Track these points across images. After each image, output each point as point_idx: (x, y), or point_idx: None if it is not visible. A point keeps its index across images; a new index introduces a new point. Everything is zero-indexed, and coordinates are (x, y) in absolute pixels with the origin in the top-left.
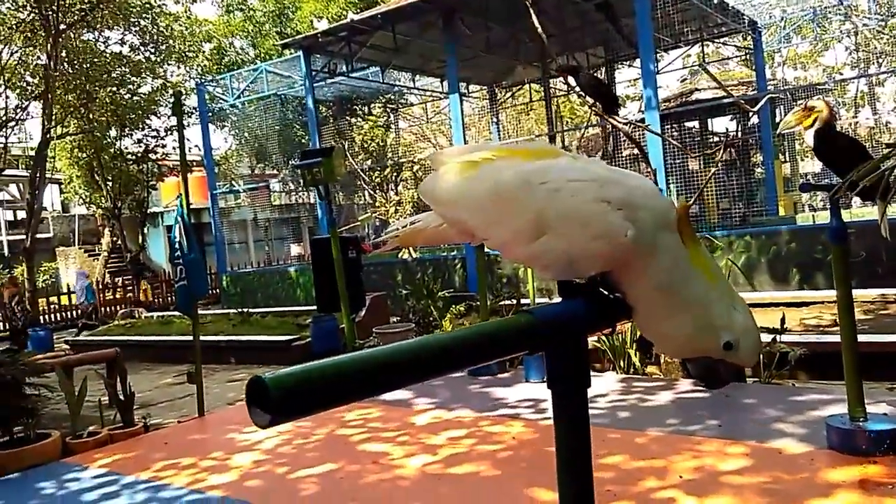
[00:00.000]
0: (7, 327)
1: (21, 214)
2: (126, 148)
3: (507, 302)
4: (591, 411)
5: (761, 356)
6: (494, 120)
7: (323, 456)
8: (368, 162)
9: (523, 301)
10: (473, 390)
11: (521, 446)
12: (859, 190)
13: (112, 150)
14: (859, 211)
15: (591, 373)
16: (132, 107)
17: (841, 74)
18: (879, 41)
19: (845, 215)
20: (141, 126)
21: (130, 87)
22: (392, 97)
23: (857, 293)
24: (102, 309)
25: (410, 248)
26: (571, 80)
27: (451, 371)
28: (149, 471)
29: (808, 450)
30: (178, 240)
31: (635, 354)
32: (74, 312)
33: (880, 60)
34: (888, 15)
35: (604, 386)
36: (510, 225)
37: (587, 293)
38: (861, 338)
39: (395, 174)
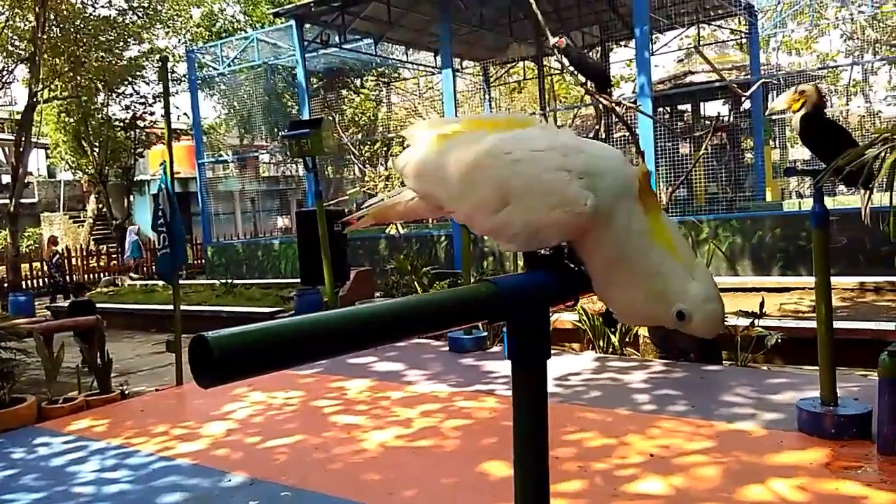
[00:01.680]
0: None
1: (6, 178)
2: (114, 114)
3: None
4: (565, 389)
5: (738, 339)
6: (487, 97)
7: (296, 426)
8: (359, 136)
9: None
10: (452, 366)
11: (492, 421)
12: (843, 176)
13: (99, 116)
14: (845, 199)
15: (571, 353)
16: (119, 71)
17: (835, 61)
18: (874, 29)
19: (831, 202)
20: (127, 90)
21: (118, 51)
22: (385, 70)
23: (838, 280)
24: (85, 276)
25: (398, 224)
26: (564, 58)
27: (406, 338)
28: (120, 437)
29: (777, 432)
30: (161, 206)
31: (614, 334)
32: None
33: (876, 49)
34: (884, 1)
35: (580, 364)
36: (475, 197)
37: (551, 264)
38: (837, 324)
39: (385, 149)
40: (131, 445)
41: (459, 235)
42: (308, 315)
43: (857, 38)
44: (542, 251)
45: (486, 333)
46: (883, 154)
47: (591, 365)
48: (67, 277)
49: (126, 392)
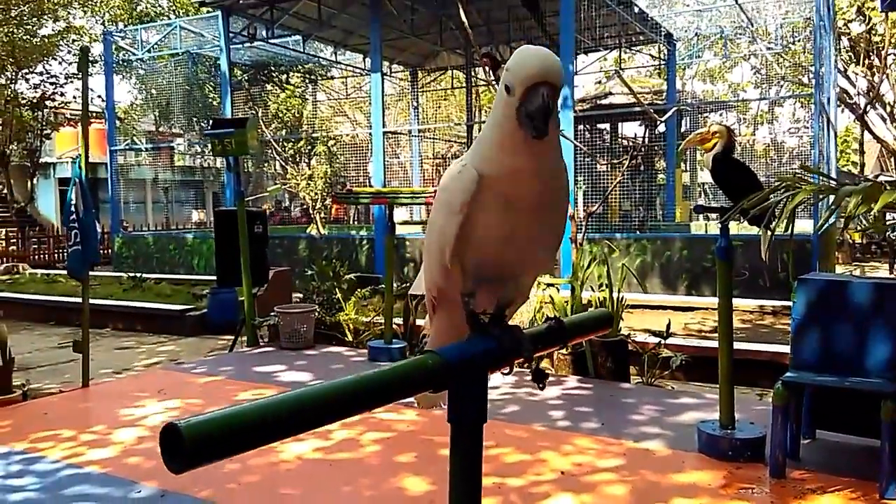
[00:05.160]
0: None
1: None
2: (21, 92)
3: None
4: None
5: (646, 358)
6: (415, 104)
7: None
8: (282, 132)
9: None
10: None
11: (411, 435)
12: (748, 217)
13: (5, 93)
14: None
15: None
16: (31, 48)
17: (745, 92)
18: (780, 66)
19: (736, 228)
20: (38, 68)
21: (29, 27)
22: (312, 68)
23: (740, 302)
24: None
25: (319, 224)
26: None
27: (361, 412)
28: (24, 442)
29: (680, 452)
30: (73, 201)
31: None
32: None
33: (781, 84)
34: (791, 42)
35: (498, 379)
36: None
37: (490, 330)
38: (738, 345)
39: (309, 147)
40: (36, 451)
41: (382, 240)
42: (272, 397)
43: (764, 74)
44: (484, 317)
45: (405, 343)
46: (784, 201)
47: (509, 379)
48: None
49: (27, 392)
